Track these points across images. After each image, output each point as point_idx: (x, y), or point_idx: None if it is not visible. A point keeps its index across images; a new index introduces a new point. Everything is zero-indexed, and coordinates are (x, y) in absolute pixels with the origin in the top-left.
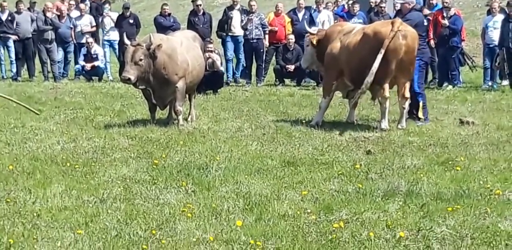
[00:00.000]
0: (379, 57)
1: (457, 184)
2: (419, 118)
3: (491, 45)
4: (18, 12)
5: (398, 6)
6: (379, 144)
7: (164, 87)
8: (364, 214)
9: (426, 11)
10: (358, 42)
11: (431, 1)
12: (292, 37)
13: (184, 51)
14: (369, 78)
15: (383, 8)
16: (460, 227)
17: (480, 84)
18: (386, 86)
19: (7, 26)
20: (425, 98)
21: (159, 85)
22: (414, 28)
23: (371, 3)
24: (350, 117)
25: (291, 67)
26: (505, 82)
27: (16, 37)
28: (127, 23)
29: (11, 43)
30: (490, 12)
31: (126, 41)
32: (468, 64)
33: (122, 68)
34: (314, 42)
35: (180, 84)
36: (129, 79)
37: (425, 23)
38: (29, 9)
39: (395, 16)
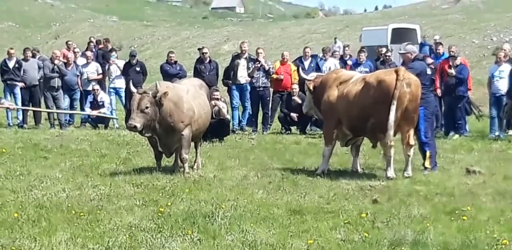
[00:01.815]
0: (393, 108)
1: (464, 233)
2: (425, 168)
3: (497, 95)
4: (25, 59)
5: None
6: (385, 192)
7: (170, 135)
8: None
9: (429, 60)
10: (360, 91)
11: (438, 50)
12: (296, 87)
13: (190, 99)
14: (390, 131)
15: (388, 57)
16: None
17: (486, 133)
18: (388, 134)
19: (14, 74)
20: (434, 147)
21: (165, 133)
22: (416, 77)
23: (377, 52)
24: (354, 166)
25: (294, 116)
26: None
27: (23, 84)
28: (134, 71)
29: (17, 91)
30: (496, 62)
31: (133, 89)
32: (474, 113)
33: (128, 116)
34: (311, 88)
35: (186, 132)
36: (135, 127)
37: (429, 72)
38: (33, 56)
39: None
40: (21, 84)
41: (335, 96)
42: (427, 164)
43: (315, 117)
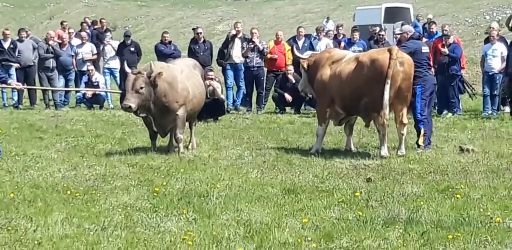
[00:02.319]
0: (387, 87)
1: (457, 211)
2: (419, 146)
3: (490, 73)
4: (20, 40)
5: (398, 37)
6: (379, 171)
7: (165, 115)
8: (364, 242)
9: (423, 39)
10: (353, 70)
11: (431, 29)
12: (291, 68)
13: (184, 79)
14: (385, 110)
15: (381, 36)
16: None
17: (479, 112)
18: (383, 113)
19: (9, 54)
20: (429, 125)
21: (159, 113)
22: (411, 56)
23: (371, 30)
24: (348, 145)
25: (289, 98)
26: (507, 109)
27: (18, 65)
28: (128, 51)
29: (13, 71)
30: (489, 40)
31: (127, 69)
32: (467, 92)
33: (123, 97)
34: (305, 66)
35: (181, 112)
36: (130, 107)
37: (426, 51)
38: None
39: (396, 45)
40: (16, 65)
41: (328, 75)
42: (420, 141)
43: (309, 96)
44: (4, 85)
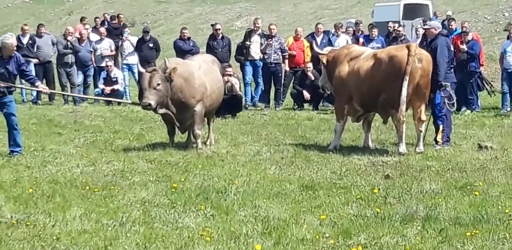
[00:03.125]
0: (405, 84)
1: (476, 208)
2: (437, 142)
3: (509, 70)
4: (39, 35)
5: (421, 31)
6: (397, 168)
7: (183, 111)
8: (382, 239)
9: None
10: (371, 67)
11: (450, 26)
12: (310, 66)
13: (202, 74)
14: (402, 107)
15: (399, 32)
16: None
17: (498, 109)
18: (401, 110)
19: (28, 50)
20: (448, 123)
21: (177, 109)
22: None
23: (389, 28)
24: (366, 141)
25: (307, 96)
26: None
27: (37, 60)
28: (147, 47)
29: (31, 67)
30: (508, 37)
31: (141, 69)
32: (486, 89)
33: (141, 95)
34: (324, 61)
35: (198, 108)
36: (149, 104)
37: (451, 48)
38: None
39: (422, 41)
40: (35, 60)
41: (346, 72)
42: (439, 137)
43: (328, 93)
44: (32, 88)
